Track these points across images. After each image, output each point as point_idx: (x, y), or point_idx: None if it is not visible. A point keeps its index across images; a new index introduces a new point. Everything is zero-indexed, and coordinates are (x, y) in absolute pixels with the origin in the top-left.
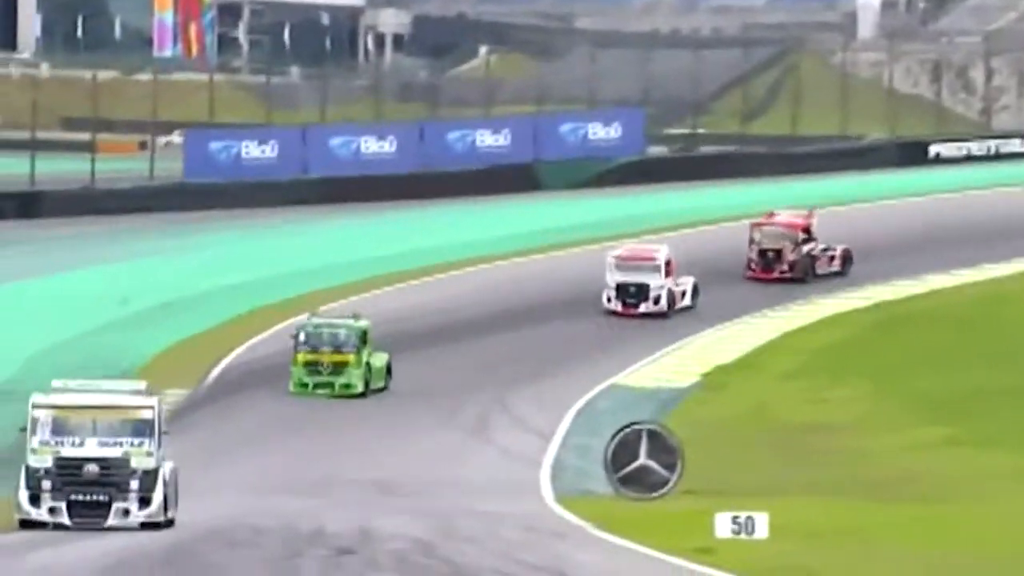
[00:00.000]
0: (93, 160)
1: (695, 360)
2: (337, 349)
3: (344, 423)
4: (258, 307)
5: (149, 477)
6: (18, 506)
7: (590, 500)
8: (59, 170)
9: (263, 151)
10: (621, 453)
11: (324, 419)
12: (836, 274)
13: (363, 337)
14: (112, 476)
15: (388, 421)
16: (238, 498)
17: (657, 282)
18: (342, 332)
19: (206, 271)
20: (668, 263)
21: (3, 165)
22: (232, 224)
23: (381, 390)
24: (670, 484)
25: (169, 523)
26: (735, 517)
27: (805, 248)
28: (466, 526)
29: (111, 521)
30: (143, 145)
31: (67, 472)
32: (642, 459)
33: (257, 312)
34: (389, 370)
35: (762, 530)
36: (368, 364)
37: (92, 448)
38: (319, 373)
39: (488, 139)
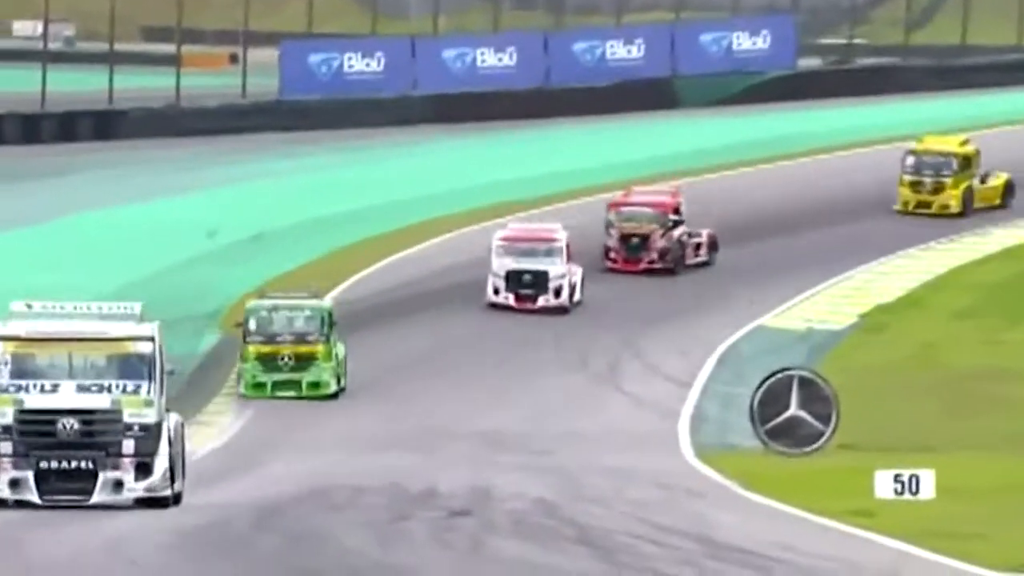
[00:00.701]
0: (178, 75)
1: (852, 298)
2: (300, 338)
3: (457, 369)
4: (361, 239)
5: (149, 435)
6: None
7: (734, 455)
8: (140, 86)
9: (367, 65)
10: (769, 403)
11: (436, 364)
12: (703, 264)
13: (330, 320)
14: (98, 435)
15: (507, 367)
16: (338, 455)
17: (557, 269)
18: (304, 315)
19: (303, 199)
20: (568, 246)
21: (78, 80)
22: (333, 146)
23: (340, 391)
24: (824, 438)
25: (176, 499)
26: (897, 475)
27: (676, 232)
28: (593, 485)
29: (97, 497)
30: (233, 58)
31: (34, 430)
32: (793, 410)
33: (359, 245)
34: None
35: (928, 490)
36: (337, 356)
37: (69, 396)
38: (278, 369)
39: (619, 51)
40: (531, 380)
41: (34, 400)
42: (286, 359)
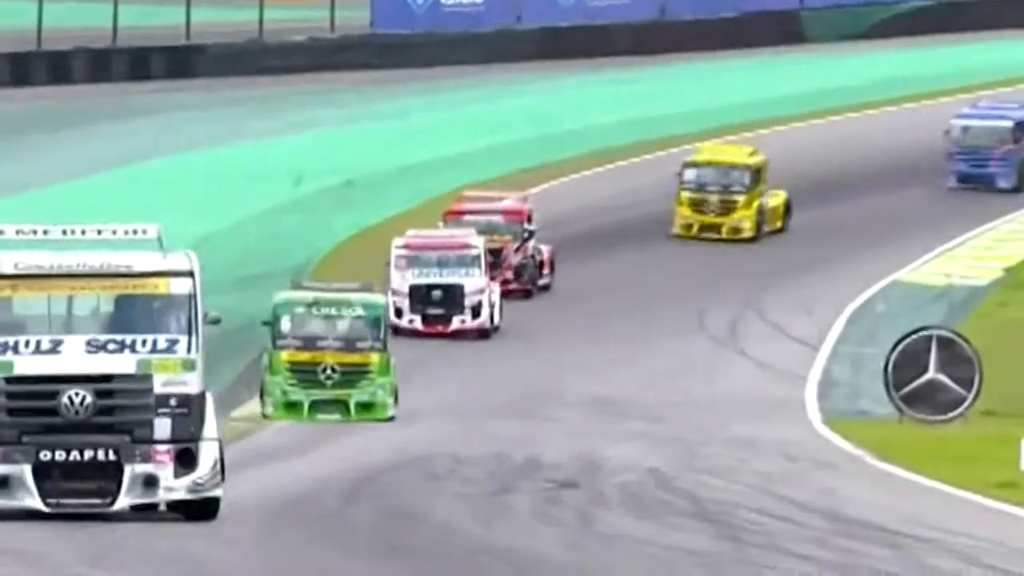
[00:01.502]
0: (261, 7)
1: (997, 251)
2: (348, 344)
3: (566, 331)
4: (460, 186)
5: (192, 411)
6: None
7: (866, 423)
8: (219, 20)
9: None
10: (905, 366)
11: (543, 326)
12: (545, 287)
13: (383, 322)
14: (120, 411)
15: (620, 328)
16: (439, 421)
17: (475, 282)
18: (353, 314)
19: (398, 142)
20: (487, 252)
21: (152, 14)
22: (428, 85)
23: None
24: (965, 404)
25: (213, 506)
26: None
27: (530, 245)
28: (712, 454)
29: (123, 500)
30: None
31: (29, 406)
32: (931, 373)
33: (456, 193)
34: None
35: None
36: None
37: (76, 357)
38: (318, 384)
39: None
40: (645, 342)
41: (27, 364)
42: (329, 371)
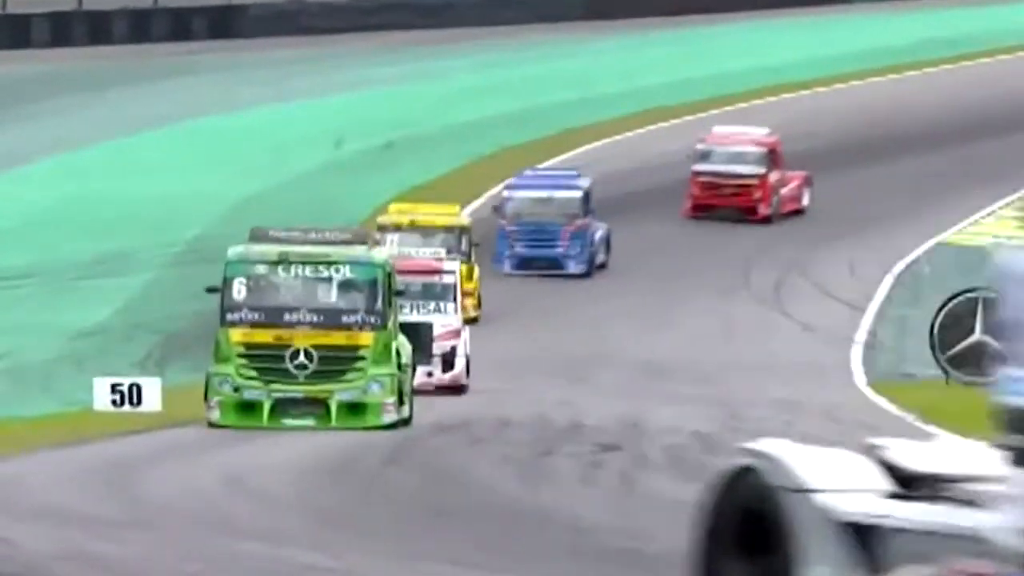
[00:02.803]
0: None
1: None
2: (331, 319)
3: (608, 290)
4: (502, 148)
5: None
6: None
7: (912, 385)
8: None
9: None
10: (952, 327)
11: (586, 286)
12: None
13: (389, 287)
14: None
15: (663, 289)
16: (481, 383)
17: (447, 321)
18: (341, 276)
19: (439, 104)
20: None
21: None
22: (470, 45)
23: (401, 423)
24: None
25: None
26: None
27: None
28: (757, 417)
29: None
30: None
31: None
32: (978, 334)
33: (501, 155)
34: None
35: None
36: (398, 353)
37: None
38: (286, 375)
39: None
40: (688, 303)
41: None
42: (302, 358)
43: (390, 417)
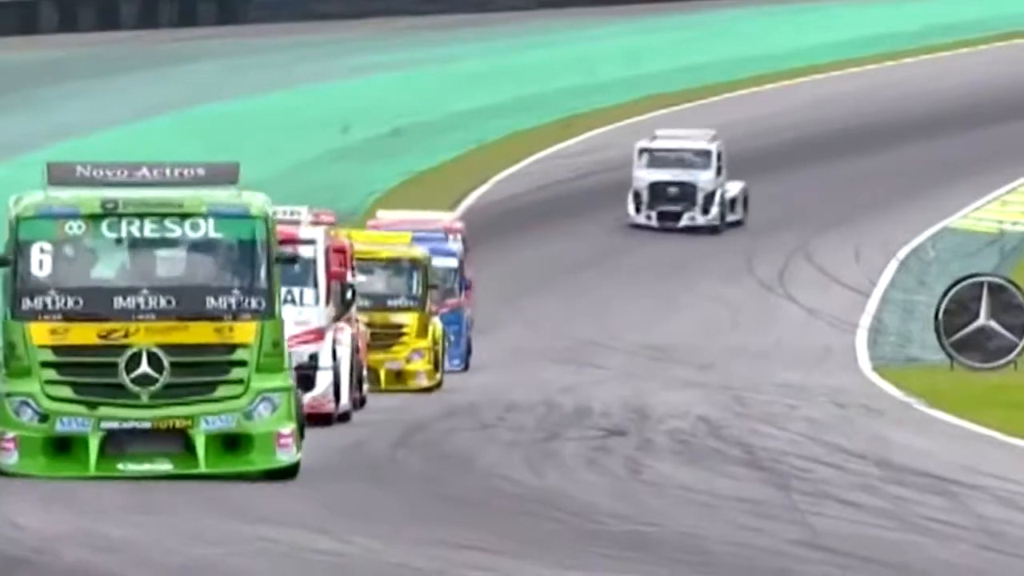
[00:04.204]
0: None
1: None
2: (184, 301)
3: (613, 277)
4: (508, 134)
5: None
6: None
7: (917, 370)
8: None
9: None
10: (956, 312)
11: (592, 272)
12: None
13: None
14: None
15: (668, 274)
16: (489, 369)
17: (304, 316)
18: (197, 235)
19: (444, 91)
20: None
21: None
22: (475, 32)
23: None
24: (1017, 350)
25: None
26: None
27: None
28: (762, 402)
29: None
30: None
31: None
32: (982, 320)
33: (506, 140)
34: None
35: None
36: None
37: None
38: (124, 397)
39: None
40: (693, 289)
41: None
42: (145, 364)
43: (287, 454)
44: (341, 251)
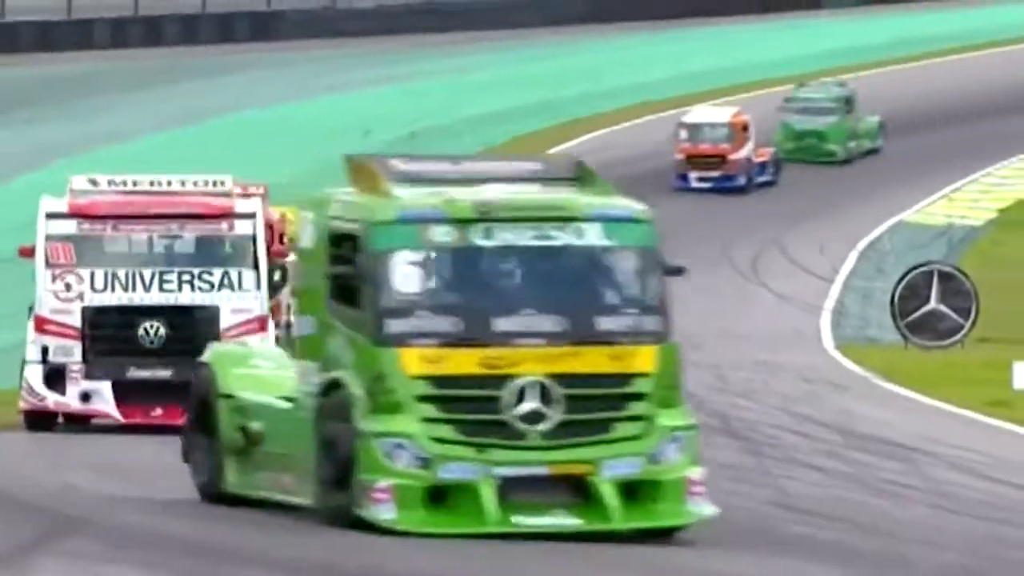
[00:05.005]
0: None
1: (992, 194)
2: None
3: None
4: (515, 137)
5: None
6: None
7: (875, 349)
8: None
9: None
10: (909, 297)
11: None
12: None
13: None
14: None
15: None
16: None
17: (243, 304)
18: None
19: (459, 98)
20: None
21: None
22: (487, 46)
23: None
24: (963, 331)
25: None
26: None
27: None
28: (739, 379)
29: None
30: None
31: None
32: (933, 304)
33: (516, 142)
34: None
35: None
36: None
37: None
38: (512, 438)
39: None
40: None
41: None
42: (535, 400)
43: (700, 505)
44: (269, 227)
